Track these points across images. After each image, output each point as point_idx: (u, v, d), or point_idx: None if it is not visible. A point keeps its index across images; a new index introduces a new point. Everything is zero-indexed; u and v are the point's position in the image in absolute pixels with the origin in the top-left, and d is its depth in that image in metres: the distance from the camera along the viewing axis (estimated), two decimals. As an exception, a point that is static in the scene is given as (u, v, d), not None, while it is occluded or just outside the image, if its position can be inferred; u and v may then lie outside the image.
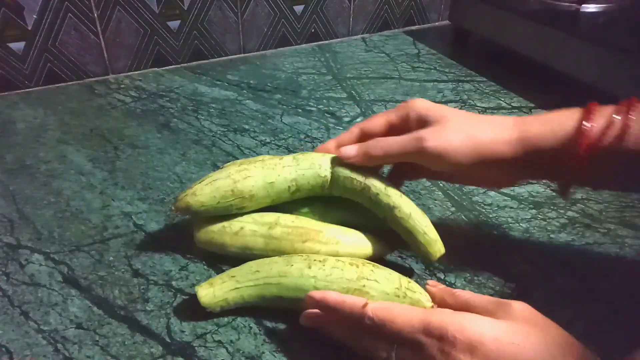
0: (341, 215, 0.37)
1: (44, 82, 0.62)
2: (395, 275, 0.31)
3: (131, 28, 0.64)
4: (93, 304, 0.33)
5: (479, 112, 0.57)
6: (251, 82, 0.63)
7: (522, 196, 0.43)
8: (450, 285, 0.35)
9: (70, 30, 0.60)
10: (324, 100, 0.59)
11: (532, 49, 0.60)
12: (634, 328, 0.31)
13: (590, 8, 0.61)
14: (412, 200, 0.34)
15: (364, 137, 0.35)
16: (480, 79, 0.65)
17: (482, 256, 0.37)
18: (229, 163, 0.42)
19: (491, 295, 0.32)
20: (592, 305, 0.34)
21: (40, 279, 0.35)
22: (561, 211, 0.42)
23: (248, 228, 0.34)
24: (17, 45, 0.59)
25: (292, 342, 0.31)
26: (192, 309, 0.32)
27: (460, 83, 0.64)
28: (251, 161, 0.36)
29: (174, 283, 0.35)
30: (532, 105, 0.58)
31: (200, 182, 0.34)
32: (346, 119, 0.56)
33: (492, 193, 0.43)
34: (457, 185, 0.44)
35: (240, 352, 0.30)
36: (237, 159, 0.47)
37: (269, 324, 0.32)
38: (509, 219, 0.41)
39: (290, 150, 0.50)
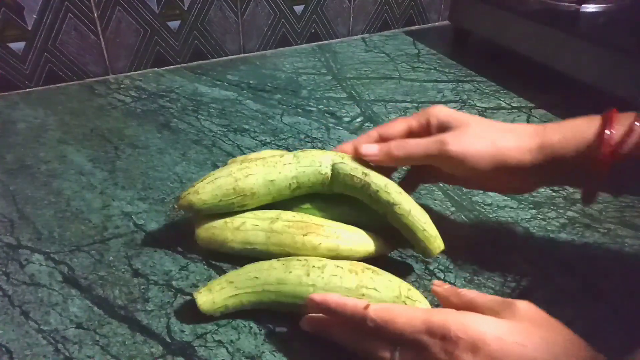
0: (341, 212, 0.37)
1: (44, 82, 0.62)
2: (395, 282, 0.31)
3: (131, 28, 0.64)
4: (93, 304, 0.33)
5: (479, 112, 0.57)
6: (251, 82, 0.63)
7: (522, 196, 0.43)
8: (450, 285, 0.35)
9: (70, 30, 0.61)
10: (324, 100, 0.59)
11: (532, 49, 0.60)
12: (634, 328, 0.31)
13: (590, 8, 0.61)
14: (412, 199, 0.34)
15: (382, 141, 0.36)
16: (480, 79, 0.65)
17: (482, 256, 0.37)
18: (231, 160, 0.42)
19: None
20: (592, 305, 0.34)
21: (41, 278, 0.35)
22: (561, 211, 0.42)
23: (249, 223, 0.34)
24: (17, 45, 0.59)
25: (292, 342, 0.31)
26: (192, 309, 0.32)
27: (460, 83, 0.64)
28: (252, 159, 0.36)
29: (174, 283, 0.35)
30: (532, 105, 0.58)
31: (202, 181, 0.34)
32: (346, 119, 0.56)
33: (492, 193, 0.43)
34: (457, 185, 0.44)
35: (240, 351, 0.30)
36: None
37: (269, 324, 0.32)
38: (509, 219, 0.41)
39: (290, 150, 0.50)
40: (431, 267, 0.36)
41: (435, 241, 0.33)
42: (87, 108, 0.57)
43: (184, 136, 0.52)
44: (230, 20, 0.69)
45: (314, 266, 0.31)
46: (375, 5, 0.78)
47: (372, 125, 0.55)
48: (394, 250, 0.37)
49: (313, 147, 0.50)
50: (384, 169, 0.35)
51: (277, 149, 0.50)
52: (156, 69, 0.67)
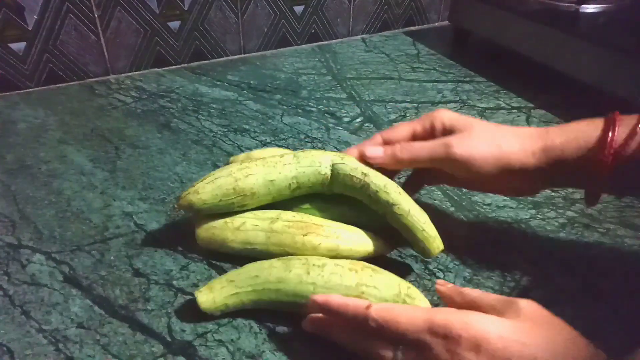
0: (341, 212, 0.37)
1: (44, 83, 0.62)
2: (395, 280, 0.31)
3: (132, 28, 0.64)
4: (94, 304, 0.33)
5: (478, 112, 0.57)
6: (251, 82, 0.64)
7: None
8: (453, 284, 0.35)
9: (70, 30, 0.61)
10: (324, 101, 0.59)
11: (531, 49, 0.60)
12: (634, 328, 0.32)
13: (590, 8, 0.61)
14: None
15: (386, 145, 0.36)
16: (480, 79, 0.65)
17: (481, 256, 0.37)
18: (233, 157, 0.42)
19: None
20: (592, 305, 0.34)
21: (41, 278, 0.35)
22: (560, 211, 0.42)
23: (249, 223, 0.35)
24: (18, 46, 0.59)
25: (292, 342, 0.31)
26: (192, 309, 0.32)
27: (459, 83, 0.64)
28: (253, 158, 0.36)
29: (174, 282, 0.35)
30: (532, 105, 0.59)
31: (202, 180, 0.35)
32: (346, 119, 0.56)
33: (491, 193, 0.43)
34: (460, 187, 0.45)
35: (241, 351, 0.30)
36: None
37: (269, 323, 0.32)
38: (509, 219, 0.41)
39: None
40: (430, 267, 0.37)
41: (435, 241, 0.33)
42: (87, 108, 0.57)
43: (184, 136, 0.52)
44: (230, 20, 0.69)
45: (314, 265, 0.31)
46: (375, 6, 0.78)
47: (372, 125, 0.55)
48: (394, 250, 0.37)
49: (313, 147, 0.50)
50: (387, 172, 0.35)
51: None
52: (156, 69, 0.67)
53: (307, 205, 0.37)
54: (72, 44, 0.61)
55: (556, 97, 0.59)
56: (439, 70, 0.68)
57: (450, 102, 0.59)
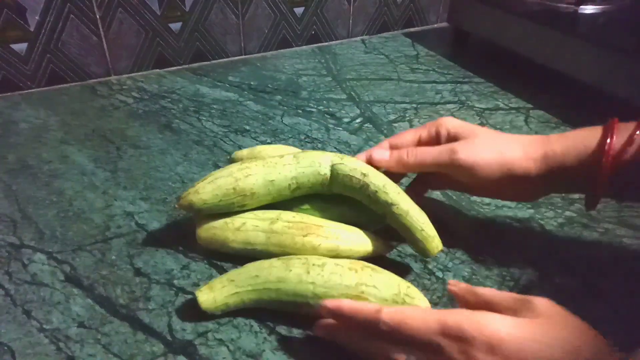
0: (341, 212, 0.37)
1: (46, 83, 0.62)
2: (394, 280, 0.31)
3: (133, 29, 0.64)
4: (95, 303, 0.33)
5: (477, 113, 0.57)
6: (252, 83, 0.64)
7: (521, 196, 0.44)
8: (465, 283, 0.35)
9: (72, 31, 0.61)
10: (324, 102, 0.60)
11: (530, 49, 0.61)
12: (634, 328, 0.32)
13: (589, 9, 0.61)
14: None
15: (393, 149, 0.37)
16: (479, 80, 0.65)
17: (480, 255, 0.38)
18: (236, 152, 0.42)
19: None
20: (592, 305, 0.34)
21: (43, 278, 0.35)
22: (559, 211, 0.42)
23: (250, 223, 0.35)
24: (20, 46, 0.59)
25: (292, 341, 0.31)
26: (193, 308, 0.32)
27: (458, 84, 0.64)
28: (255, 155, 0.36)
29: (175, 282, 0.35)
30: (530, 105, 0.59)
31: (202, 181, 0.35)
32: (346, 120, 0.56)
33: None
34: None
35: (241, 350, 0.31)
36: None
37: (269, 322, 0.32)
38: (507, 219, 0.41)
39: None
40: (430, 267, 0.37)
41: (434, 241, 0.34)
42: (89, 109, 0.57)
43: (185, 137, 0.52)
44: (231, 21, 0.69)
45: (313, 264, 0.31)
46: (375, 7, 0.79)
47: (371, 126, 0.55)
48: (393, 250, 0.37)
49: (313, 148, 0.51)
50: (393, 176, 0.36)
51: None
52: (158, 70, 0.67)
53: (307, 206, 0.37)
54: (74, 45, 0.62)
55: (555, 98, 0.60)
56: (438, 71, 0.68)
57: (449, 102, 0.60)
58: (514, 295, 0.27)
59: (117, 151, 0.50)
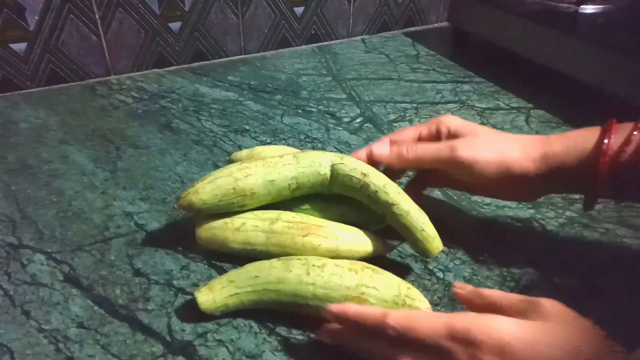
0: (341, 212, 0.37)
1: (45, 83, 0.62)
2: (395, 281, 0.31)
3: (133, 29, 0.64)
4: (94, 303, 0.33)
5: (478, 113, 0.57)
6: (252, 83, 0.64)
7: (522, 196, 0.44)
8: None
9: (71, 31, 0.61)
10: (324, 101, 0.59)
11: (530, 49, 0.61)
12: (634, 328, 0.32)
13: (589, 9, 0.61)
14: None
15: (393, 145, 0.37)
16: (479, 80, 0.65)
17: (481, 256, 0.38)
18: (235, 153, 0.42)
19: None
20: (592, 305, 0.34)
21: (42, 278, 0.35)
22: (560, 211, 0.42)
23: (250, 223, 0.35)
24: (19, 46, 0.59)
25: (292, 342, 0.31)
26: (193, 308, 0.32)
27: (459, 84, 0.64)
28: (254, 156, 0.36)
29: (175, 282, 0.35)
30: (531, 105, 0.59)
31: (202, 180, 0.35)
32: (346, 120, 0.56)
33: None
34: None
35: (241, 351, 0.31)
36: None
37: (269, 323, 0.32)
38: (508, 219, 0.41)
39: (290, 151, 0.50)
40: (430, 267, 0.37)
41: (434, 241, 0.34)
42: (88, 108, 0.57)
43: (185, 136, 0.52)
44: (231, 21, 0.69)
45: (313, 265, 0.31)
46: (375, 7, 0.79)
47: (371, 126, 0.55)
48: (393, 250, 0.37)
49: (313, 148, 0.51)
50: (392, 173, 0.36)
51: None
52: (157, 69, 0.67)
53: (306, 206, 0.37)
54: (73, 45, 0.62)
55: (555, 98, 0.60)
56: (439, 70, 0.68)
57: (449, 102, 0.59)
58: (520, 297, 0.27)
59: (116, 151, 0.50)
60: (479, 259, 0.37)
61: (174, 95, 0.60)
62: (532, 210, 0.42)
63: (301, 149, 0.47)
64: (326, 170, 0.35)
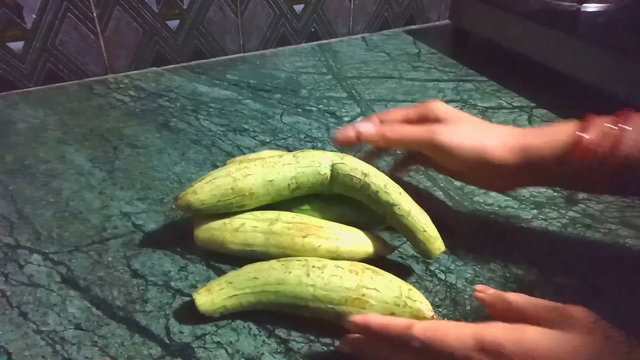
0: (341, 212, 0.36)
1: (43, 82, 0.62)
2: (396, 282, 0.31)
3: (131, 28, 0.64)
4: (92, 305, 0.33)
5: (480, 112, 0.57)
6: (251, 81, 0.63)
7: (524, 196, 0.43)
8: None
9: (69, 30, 0.60)
10: (324, 100, 0.59)
11: (532, 48, 0.60)
12: (634, 328, 0.31)
13: (591, 8, 0.61)
14: (412, 199, 0.34)
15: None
16: (481, 79, 0.65)
17: (483, 256, 0.37)
18: (230, 160, 0.42)
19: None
20: (592, 305, 0.33)
21: (39, 279, 0.35)
22: (562, 211, 0.42)
23: (249, 224, 0.34)
24: (17, 45, 0.59)
25: (291, 344, 0.31)
26: (191, 310, 0.31)
27: (461, 83, 0.64)
28: (251, 159, 0.36)
29: (173, 284, 0.35)
30: (533, 104, 0.58)
31: (200, 181, 0.34)
32: (346, 119, 0.55)
33: (493, 193, 0.43)
34: (457, 185, 0.44)
35: (240, 353, 0.30)
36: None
37: (268, 325, 0.32)
38: (510, 220, 0.41)
39: (290, 150, 0.50)
40: (432, 268, 0.36)
41: (436, 242, 0.33)
42: (86, 108, 0.57)
43: (183, 136, 0.52)
44: (229, 19, 0.69)
45: (313, 266, 0.31)
46: (376, 5, 0.78)
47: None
48: (394, 251, 0.37)
49: (313, 147, 0.50)
50: (379, 151, 0.37)
51: (277, 149, 0.50)
52: (155, 68, 0.67)
53: (306, 206, 0.37)
54: (71, 44, 0.61)
55: (557, 97, 0.59)
56: (440, 69, 0.67)
57: (451, 101, 0.59)
58: (547, 303, 0.26)
59: (114, 151, 0.49)
60: (480, 259, 0.37)
61: (172, 94, 0.60)
62: (535, 211, 0.42)
63: (301, 149, 0.47)
64: (326, 170, 0.35)
